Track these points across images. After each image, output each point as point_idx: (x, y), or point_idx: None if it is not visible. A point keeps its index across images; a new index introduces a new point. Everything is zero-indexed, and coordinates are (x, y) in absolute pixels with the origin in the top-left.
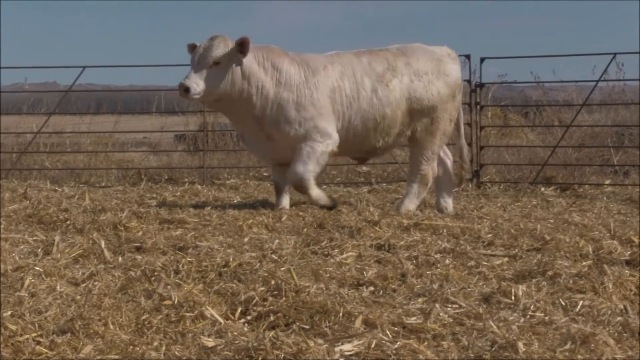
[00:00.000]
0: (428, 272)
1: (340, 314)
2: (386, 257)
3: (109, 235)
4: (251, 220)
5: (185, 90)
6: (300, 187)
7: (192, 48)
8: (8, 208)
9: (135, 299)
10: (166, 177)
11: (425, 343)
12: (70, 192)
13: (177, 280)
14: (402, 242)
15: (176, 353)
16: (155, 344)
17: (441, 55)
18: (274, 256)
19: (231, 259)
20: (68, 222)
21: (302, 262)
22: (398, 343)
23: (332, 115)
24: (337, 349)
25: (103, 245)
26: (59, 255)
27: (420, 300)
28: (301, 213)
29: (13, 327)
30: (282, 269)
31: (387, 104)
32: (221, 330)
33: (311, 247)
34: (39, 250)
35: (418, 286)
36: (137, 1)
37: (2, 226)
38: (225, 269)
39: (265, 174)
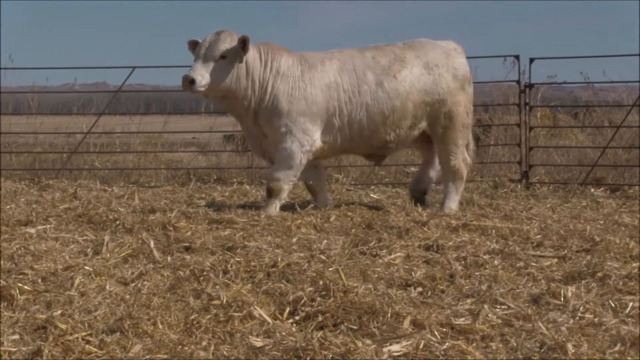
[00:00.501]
0: (477, 273)
1: (389, 315)
2: (434, 258)
3: (158, 235)
4: (299, 221)
5: (190, 82)
6: (273, 190)
7: (194, 45)
8: (59, 208)
9: (184, 299)
10: (215, 177)
11: (474, 344)
12: (119, 192)
13: (225, 280)
14: (450, 243)
15: (224, 353)
16: (204, 343)
17: (448, 49)
18: (322, 256)
19: (279, 259)
20: (117, 222)
21: (350, 263)
22: (446, 344)
23: (321, 113)
24: (385, 349)
25: (152, 245)
26: (108, 255)
27: (468, 301)
28: (349, 213)
29: (63, 326)
30: (330, 269)
31: (396, 96)
32: (269, 330)
33: (359, 247)
34: (89, 249)
35: (466, 287)
36: (187, 2)
37: (52, 225)
38: (273, 269)
39: None
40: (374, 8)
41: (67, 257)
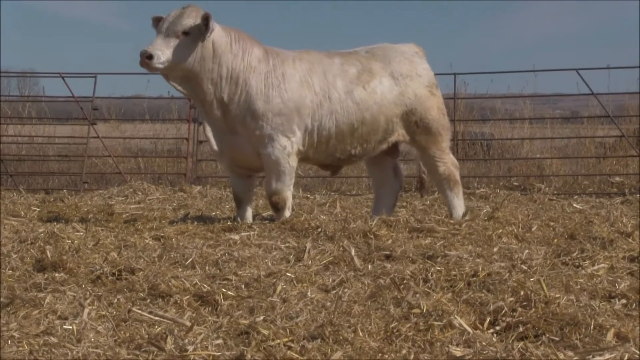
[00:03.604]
0: None
1: (591, 327)
2: (639, 270)
3: (358, 243)
4: (501, 230)
5: (148, 57)
6: (278, 203)
7: (158, 21)
8: (262, 214)
9: (384, 307)
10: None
11: None
12: (321, 200)
13: (426, 289)
14: None
15: None
16: (404, 352)
17: (411, 55)
18: (523, 266)
19: (480, 269)
20: (319, 230)
21: (552, 273)
22: None
23: (298, 111)
24: None
25: (353, 252)
26: (310, 262)
27: None
28: (552, 223)
29: (265, 332)
30: (531, 279)
31: (366, 109)
32: (469, 340)
33: (562, 257)
34: (291, 256)
35: None
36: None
37: (255, 232)
38: (474, 278)
39: (515, 183)
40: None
41: (269, 264)
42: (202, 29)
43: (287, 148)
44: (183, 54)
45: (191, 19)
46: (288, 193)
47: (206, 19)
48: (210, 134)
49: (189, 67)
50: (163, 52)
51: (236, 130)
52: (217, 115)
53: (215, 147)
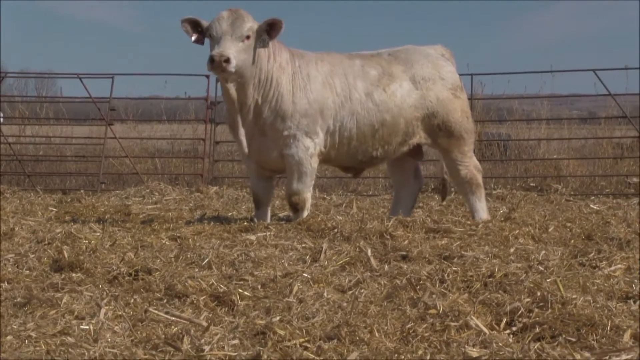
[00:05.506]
0: None
1: (608, 328)
2: None
3: (375, 244)
4: (517, 231)
5: (226, 60)
6: (297, 203)
7: (194, 24)
8: (278, 215)
9: (400, 307)
10: (432, 187)
11: None
12: (338, 200)
13: (442, 290)
14: None
15: None
16: (420, 352)
17: (436, 57)
18: (540, 267)
19: (497, 269)
20: (336, 230)
21: (569, 274)
22: None
23: (322, 112)
24: None
25: (369, 253)
26: (326, 263)
27: None
28: (569, 224)
29: (282, 332)
30: (548, 280)
31: (386, 110)
32: (486, 341)
33: (578, 258)
34: (307, 257)
35: None
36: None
37: (272, 232)
38: (490, 279)
39: (532, 184)
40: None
41: (286, 264)
42: (260, 34)
43: (310, 149)
44: (247, 58)
45: (251, 23)
46: (308, 194)
47: (272, 25)
48: (243, 137)
49: (247, 72)
50: (235, 56)
51: (265, 133)
52: (249, 118)
53: (246, 150)
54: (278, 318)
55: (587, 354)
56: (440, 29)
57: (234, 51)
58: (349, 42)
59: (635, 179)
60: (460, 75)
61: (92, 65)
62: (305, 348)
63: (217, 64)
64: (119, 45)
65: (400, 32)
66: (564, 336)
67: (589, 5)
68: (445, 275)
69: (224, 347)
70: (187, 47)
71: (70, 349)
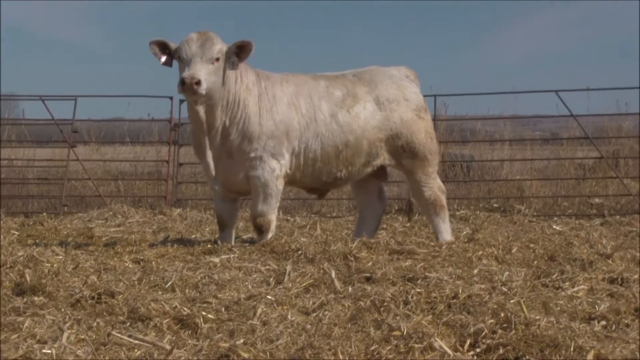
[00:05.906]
0: None
1: (572, 349)
2: (619, 291)
3: (339, 265)
4: (481, 252)
5: (197, 83)
6: (262, 225)
7: (163, 46)
8: (242, 237)
9: (364, 329)
10: (396, 208)
11: None
12: (302, 222)
13: (406, 311)
14: (635, 276)
15: None
16: None
17: (400, 78)
18: (503, 288)
19: (460, 291)
20: (299, 252)
21: (532, 295)
22: None
23: (287, 133)
24: None
25: (333, 275)
26: (290, 285)
27: None
28: (532, 245)
29: (246, 355)
30: (512, 301)
31: (350, 132)
32: None
33: (541, 279)
34: (271, 279)
35: None
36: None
37: (236, 255)
38: (454, 300)
39: (495, 205)
40: None
41: (249, 287)
42: (229, 56)
43: (276, 171)
44: (217, 80)
45: (220, 45)
46: (273, 216)
47: (242, 47)
48: (210, 159)
49: (217, 94)
50: (206, 78)
51: (232, 154)
52: (217, 140)
53: (212, 172)
54: (242, 341)
55: None
56: (403, 49)
57: (205, 73)
58: (313, 63)
59: (597, 200)
60: (424, 96)
61: (55, 86)
62: None
63: (189, 86)
64: (82, 65)
65: (363, 53)
66: (527, 357)
67: (548, 25)
68: (409, 296)
69: None
70: (151, 68)
71: None
